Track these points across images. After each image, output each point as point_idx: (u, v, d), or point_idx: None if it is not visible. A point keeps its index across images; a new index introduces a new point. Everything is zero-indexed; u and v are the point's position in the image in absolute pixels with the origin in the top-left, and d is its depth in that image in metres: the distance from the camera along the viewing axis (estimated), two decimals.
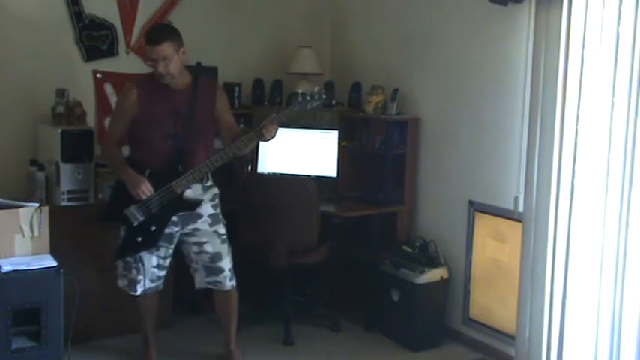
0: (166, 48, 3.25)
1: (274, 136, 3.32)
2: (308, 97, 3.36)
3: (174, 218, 3.40)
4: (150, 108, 3.36)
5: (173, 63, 3.28)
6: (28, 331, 3.19)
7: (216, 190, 3.52)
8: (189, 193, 3.38)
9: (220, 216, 3.53)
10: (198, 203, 3.40)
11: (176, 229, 3.44)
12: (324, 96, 3.39)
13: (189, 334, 4.09)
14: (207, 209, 3.45)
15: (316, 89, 3.41)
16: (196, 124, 3.37)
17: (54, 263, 3.23)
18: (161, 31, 3.37)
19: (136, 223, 3.31)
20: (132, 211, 3.30)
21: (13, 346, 3.12)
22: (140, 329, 3.68)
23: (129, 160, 3.41)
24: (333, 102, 4.63)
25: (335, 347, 4.01)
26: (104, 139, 3.67)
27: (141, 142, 3.41)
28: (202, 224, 3.45)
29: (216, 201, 3.51)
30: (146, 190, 3.27)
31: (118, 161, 3.41)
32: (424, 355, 3.93)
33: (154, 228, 3.34)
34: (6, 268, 3.12)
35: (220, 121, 3.49)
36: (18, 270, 3.14)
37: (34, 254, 3.28)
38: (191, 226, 3.45)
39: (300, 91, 3.52)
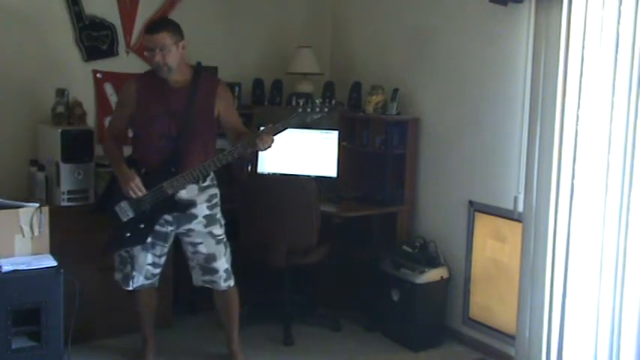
0: (164, 37, 3.24)
1: (270, 147, 3.26)
2: (309, 109, 3.29)
3: (169, 217, 3.39)
4: (147, 105, 3.36)
5: (171, 55, 3.26)
6: (28, 331, 3.19)
7: (214, 191, 3.47)
8: (183, 194, 3.35)
9: (218, 216, 3.48)
10: (190, 205, 3.38)
11: (171, 228, 3.42)
12: (326, 109, 3.30)
13: (189, 334, 4.08)
14: (202, 210, 3.41)
15: (318, 101, 3.34)
16: (193, 124, 3.33)
17: (54, 263, 3.23)
18: (160, 22, 3.50)
19: (125, 219, 3.32)
20: (122, 207, 3.31)
21: (13, 346, 3.12)
22: (139, 328, 3.67)
23: (130, 158, 3.40)
24: (333, 102, 4.60)
25: (335, 347, 4.01)
26: (104, 133, 3.68)
27: (139, 140, 3.44)
28: (197, 225, 3.42)
29: (214, 201, 3.46)
30: (135, 187, 3.26)
31: (113, 156, 3.42)
32: (424, 355, 3.93)
33: (142, 225, 3.34)
34: (6, 268, 3.12)
35: (222, 119, 3.44)
36: (18, 270, 3.14)
37: (34, 254, 3.28)
38: (186, 227, 3.43)
39: (301, 102, 3.41)
